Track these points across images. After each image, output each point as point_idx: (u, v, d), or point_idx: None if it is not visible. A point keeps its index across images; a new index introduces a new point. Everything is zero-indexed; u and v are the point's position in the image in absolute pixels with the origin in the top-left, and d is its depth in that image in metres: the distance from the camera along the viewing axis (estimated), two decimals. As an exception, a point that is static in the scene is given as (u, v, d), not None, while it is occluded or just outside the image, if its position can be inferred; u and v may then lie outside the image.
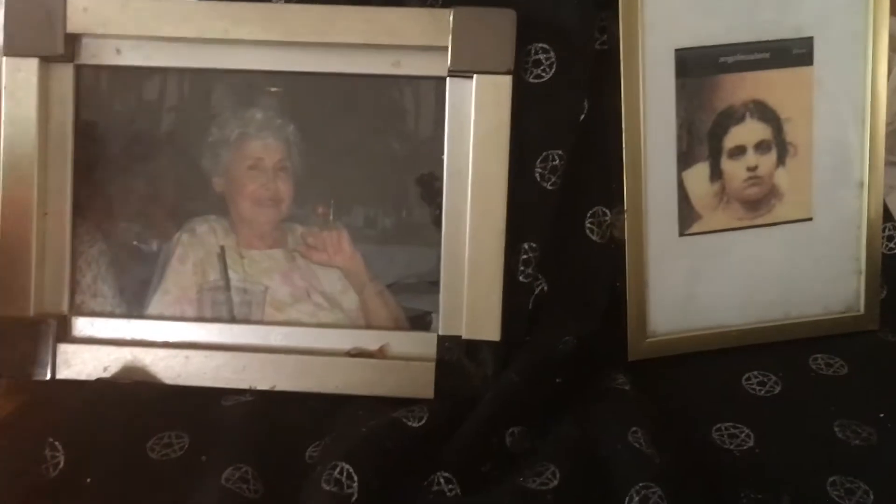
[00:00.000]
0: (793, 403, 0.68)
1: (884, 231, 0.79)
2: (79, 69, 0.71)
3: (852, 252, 0.77)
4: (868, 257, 0.77)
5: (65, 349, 0.70)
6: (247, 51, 0.70)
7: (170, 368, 0.69)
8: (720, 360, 0.73)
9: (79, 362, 0.69)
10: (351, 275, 0.72)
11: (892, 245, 0.80)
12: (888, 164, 0.79)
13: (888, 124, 0.79)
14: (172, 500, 0.58)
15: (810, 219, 0.76)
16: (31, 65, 0.69)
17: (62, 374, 0.69)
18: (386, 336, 0.71)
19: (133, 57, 0.71)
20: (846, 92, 0.76)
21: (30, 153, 0.69)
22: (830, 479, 0.60)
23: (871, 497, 0.58)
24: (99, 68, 0.71)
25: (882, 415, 0.65)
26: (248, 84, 0.72)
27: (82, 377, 0.69)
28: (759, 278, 0.75)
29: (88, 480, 0.59)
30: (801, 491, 0.59)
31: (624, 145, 0.71)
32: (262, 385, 0.69)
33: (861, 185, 0.77)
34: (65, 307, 0.71)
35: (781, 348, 0.74)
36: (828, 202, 0.76)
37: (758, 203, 0.75)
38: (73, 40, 0.70)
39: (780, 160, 0.75)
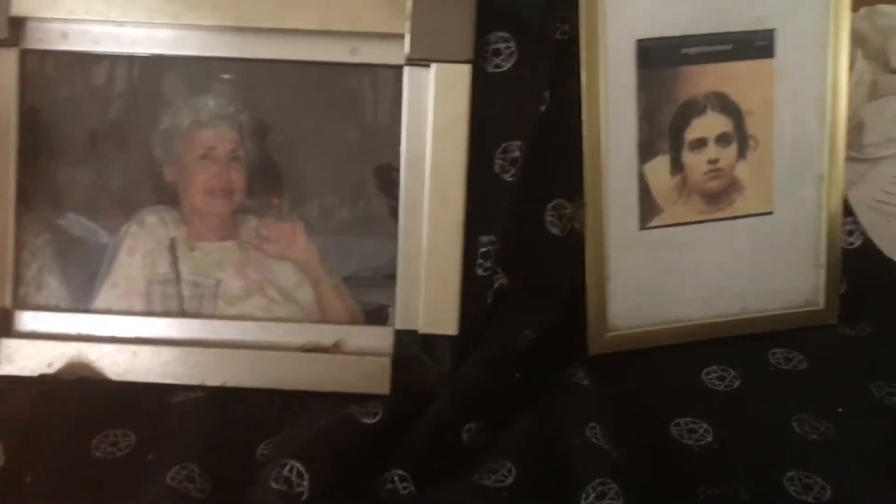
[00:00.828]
0: (752, 398, 0.68)
1: (844, 226, 0.79)
2: (24, 54, 0.69)
3: (812, 246, 0.77)
4: (828, 252, 0.77)
5: (7, 344, 0.68)
6: (199, 36, 0.69)
7: (117, 364, 0.67)
8: (680, 355, 0.73)
9: (22, 357, 0.68)
10: (306, 268, 0.71)
11: (852, 240, 0.80)
12: (849, 158, 0.79)
13: (849, 119, 0.79)
14: (115, 499, 0.57)
15: (771, 212, 0.76)
16: (-28, 49, 0.67)
17: (4, 369, 0.67)
18: (341, 330, 0.70)
19: (80, 42, 0.69)
20: (808, 85, 0.76)
21: (-29, 140, 0.67)
22: (788, 474, 0.59)
23: (829, 492, 0.58)
24: (45, 53, 0.69)
25: (840, 409, 0.66)
26: (200, 71, 0.70)
27: (25, 373, 0.67)
28: (719, 272, 0.75)
29: (29, 479, 0.58)
30: (759, 486, 0.59)
31: (584, 137, 0.70)
32: (213, 381, 0.67)
33: (822, 179, 0.77)
34: (8, 300, 0.69)
35: (741, 343, 0.75)
36: (788, 196, 0.76)
37: (718, 196, 0.75)
38: (17, 24, 0.68)
39: (741, 153, 0.75)
